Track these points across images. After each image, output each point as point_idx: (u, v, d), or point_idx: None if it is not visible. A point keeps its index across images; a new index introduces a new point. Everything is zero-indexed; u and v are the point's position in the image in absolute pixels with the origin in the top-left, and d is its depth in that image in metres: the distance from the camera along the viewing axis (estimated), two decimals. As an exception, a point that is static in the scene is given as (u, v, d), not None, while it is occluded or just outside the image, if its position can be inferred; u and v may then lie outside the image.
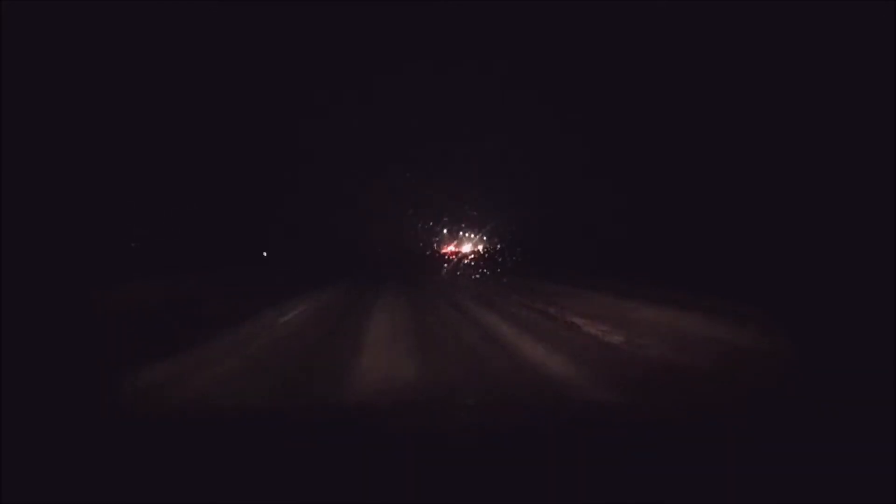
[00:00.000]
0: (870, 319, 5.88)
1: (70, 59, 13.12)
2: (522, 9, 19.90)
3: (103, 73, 14.75)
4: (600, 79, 18.44)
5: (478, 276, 20.03)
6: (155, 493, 1.24)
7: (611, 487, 1.25)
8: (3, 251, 8.23)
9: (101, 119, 14.99)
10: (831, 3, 10.12)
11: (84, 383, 4.94)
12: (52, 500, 1.21)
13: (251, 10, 20.22)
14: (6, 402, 3.58)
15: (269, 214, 26.91)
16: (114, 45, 14.79)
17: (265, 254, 26.20)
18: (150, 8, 15.43)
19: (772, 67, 11.57)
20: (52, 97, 12.39)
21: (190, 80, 19.15)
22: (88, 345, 6.79)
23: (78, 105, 13.72)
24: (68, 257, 11.70)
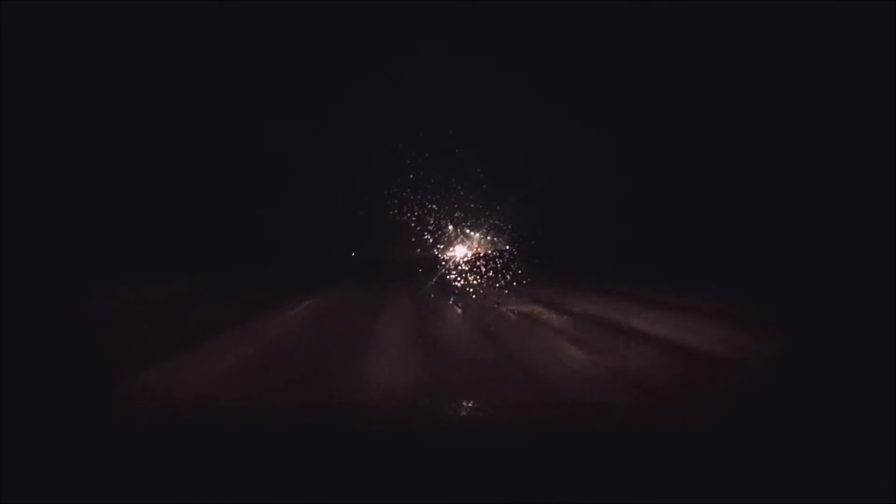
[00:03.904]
0: (870, 318, 5.88)
1: (67, 57, 13.11)
2: (529, 6, 19.85)
3: (100, 71, 14.73)
4: (607, 75, 18.39)
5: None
6: (154, 492, 1.24)
7: (610, 487, 1.25)
8: (2, 250, 8.23)
9: (99, 117, 14.95)
10: (831, 3, 10.13)
11: (86, 383, 4.94)
12: (52, 500, 1.21)
13: (246, 9, 20.13)
14: (6, 402, 3.58)
15: (266, 215, 26.48)
16: (109, 41, 14.75)
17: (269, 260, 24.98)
18: (145, 6, 15.39)
19: (780, 64, 11.57)
20: (49, 96, 12.36)
21: (186, 78, 19.08)
22: (91, 345, 6.79)
23: (75, 103, 13.68)
24: (67, 257, 11.69)
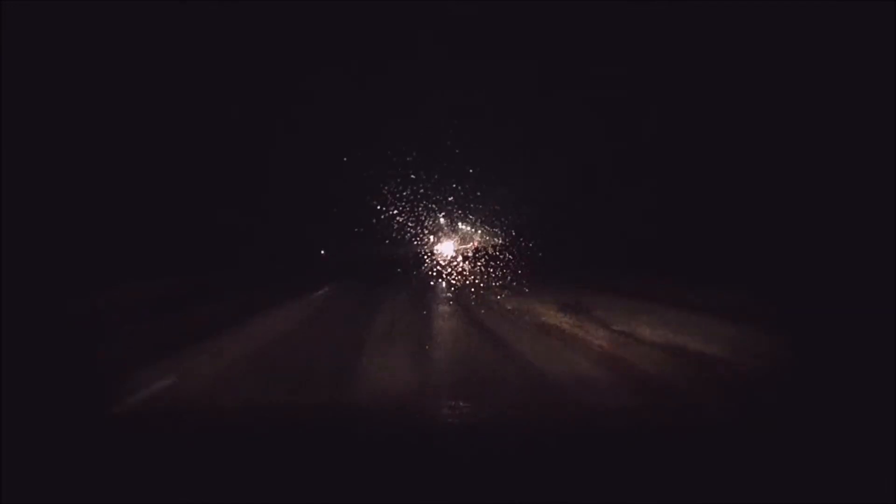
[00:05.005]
0: (876, 320, 5.85)
1: (59, 52, 13.01)
2: (530, 5, 19.75)
3: (99, 71, 14.64)
4: (609, 74, 18.32)
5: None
6: (154, 492, 1.24)
7: (611, 488, 1.25)
8: (2, 251, 8.23)
9: (90, 112, 14.81)
10: (831, 2, 10.13)
11: (85, 383, 4.94)
12: (52, 500, 1.21)
13: (246, 8, 19.96)
14: (7, 403, 3.58)
15: (264, 215, 26.22)
16: (107, 41, 14.63)
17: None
18: (144, 6, 15.26)
19: (791, 61, 11.52)
20: (32, 90, 12.22)
21: (184, 79, 18.96)
22: (90, 344, 6.79)
23: (65, 97, 13.56)
24: (65, 257, 11.68)
